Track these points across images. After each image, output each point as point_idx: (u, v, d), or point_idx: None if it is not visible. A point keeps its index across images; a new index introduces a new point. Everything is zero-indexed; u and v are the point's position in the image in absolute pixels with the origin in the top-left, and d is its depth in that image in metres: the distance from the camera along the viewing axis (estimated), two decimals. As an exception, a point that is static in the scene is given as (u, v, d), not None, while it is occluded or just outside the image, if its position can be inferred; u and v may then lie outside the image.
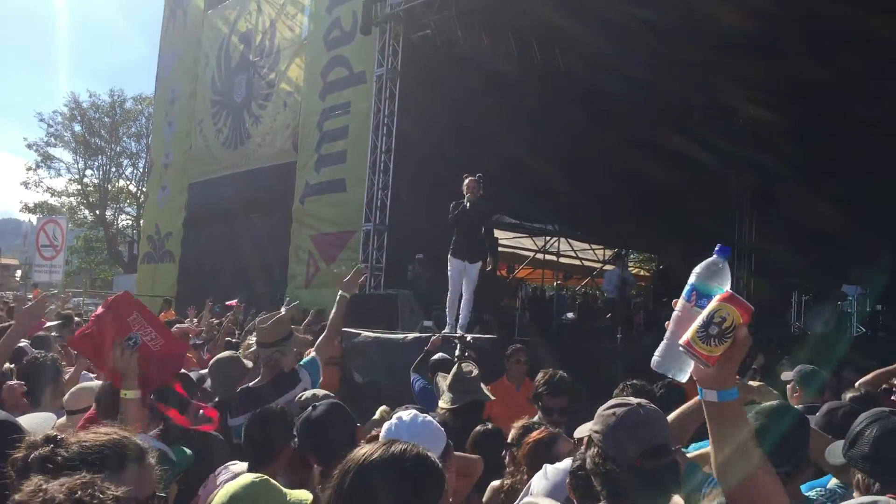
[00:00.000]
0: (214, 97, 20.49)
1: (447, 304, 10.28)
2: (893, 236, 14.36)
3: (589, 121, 16.00)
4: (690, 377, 1.79)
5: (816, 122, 15.40)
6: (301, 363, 4.81)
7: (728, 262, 1.81)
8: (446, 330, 9.93)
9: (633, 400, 2.26)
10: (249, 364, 5.01)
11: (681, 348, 1.73)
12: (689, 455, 3.01)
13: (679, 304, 1.81)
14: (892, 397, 5.24)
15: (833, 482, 3.02)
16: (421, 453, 1.85)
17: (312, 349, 5.00)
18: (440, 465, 1.90)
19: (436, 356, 6.42)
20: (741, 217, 19.40)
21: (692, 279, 1.81)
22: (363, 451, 1.85)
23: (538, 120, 15.04)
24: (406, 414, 1.88)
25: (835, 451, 2.17)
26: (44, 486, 1.42)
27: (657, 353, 1.82)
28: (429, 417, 2.59)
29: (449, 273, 10.22)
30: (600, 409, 2.28)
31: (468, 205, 9.86)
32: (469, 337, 7.49)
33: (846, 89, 13.83)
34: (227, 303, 12.81)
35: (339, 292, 5.11)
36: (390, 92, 14.11)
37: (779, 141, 16.58)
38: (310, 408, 3.10)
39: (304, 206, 16.31)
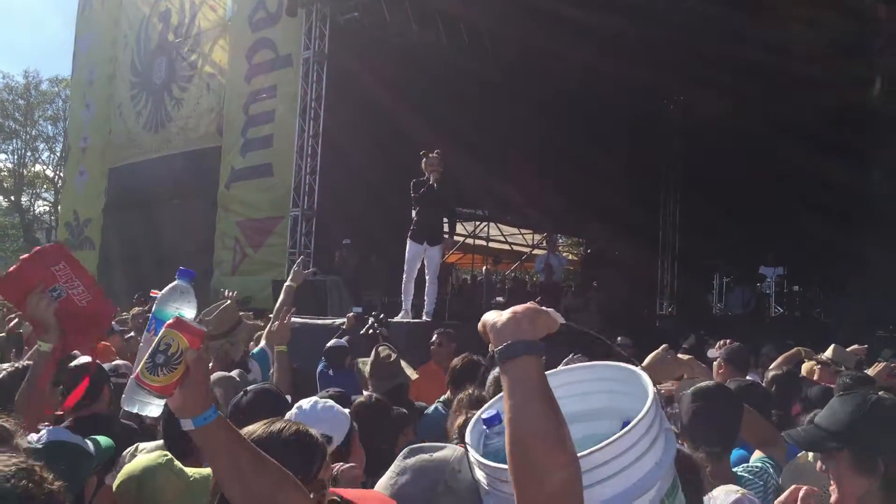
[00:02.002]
0: (134, 79, 19.86)
1: (402, 289, 9.92)
2: (811, 219, 14.84)
3: (518, 106, 16.08)
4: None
5: (743, 108, 15.77)
6: (251, 353, 4.74)
7: (192, 286, 1.76)
8: (400, 316, 9.77)
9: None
10: None
11: (135, 383, 1.66)
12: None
13: (143, 336, 1.77)
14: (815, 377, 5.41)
15: (757, 456, 3.09)
16: (300, 429, 1.90)
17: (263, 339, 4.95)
18: (320, 439, 1.93)
19: (329, 343, 6.40)
20: (665, 201, 19.80)
21: (154, 307, 1.75)
22: (248, 429, 1.86)
23: (467, 105, 15.04)
24: (306, 402, 1.85)
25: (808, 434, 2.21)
26: None
27: (125, 391, 1.73)
28: (330, 403, 2.57)
29: (406, 256, 9.83)
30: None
31: (435, 184, 9.41)
32: (382, 315, 7.40)
33: (771, 76, 14.16)
34: (152, 292, 12.43)
35: (287, 283, 5.06)
36: (317, 75, 13.91)
37: (705, 125, 16.95)
38: (240, 394, 3.04)
39: (230, 192, 15.98)
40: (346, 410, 2.67)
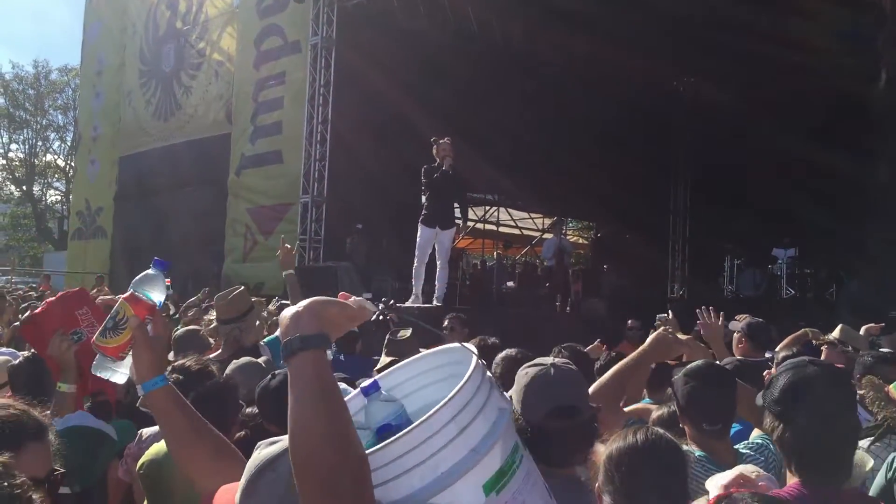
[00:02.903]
0: (143, 67, 19.89)
1: (413, 274, 9.98)
2: (824, 200, 14.77)
3: (527, 91, 16.04)
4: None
5: (752, 91, 15.68)
6: (264, 341, 4.78)
7: (163, 273, 1.97)
8: (411, 301, 9.81)
9: (548, 360, 2.29)
10: (211, 341, 4.93)
11: (95, 349, 1.90)
12: (626, 410, 3.09)
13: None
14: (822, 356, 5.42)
15: (758, 433, 3.11)
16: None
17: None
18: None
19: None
20: (675, 184, 19.74)
21: (129, 287, 1.96)
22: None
23: (477, 90, 15.02)
24: None
25: (758, 396, 2.29)
26: None
27: (95, 359, 1.93)
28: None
29: (417, 241, 9.88)
30: (519, 371, 2.34)
31: (450, 170, 9.49)
32: (392, 300, 7.40)
33: (781, 60, 14.07)
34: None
35: (284, 273, 5.07)
36: (325, 61, 13.90)
37: (715, 109, 16.86)
38: (268, 378, 3.10)
39: (240, 179, 16.02)
40: (351, 391, 2.70)
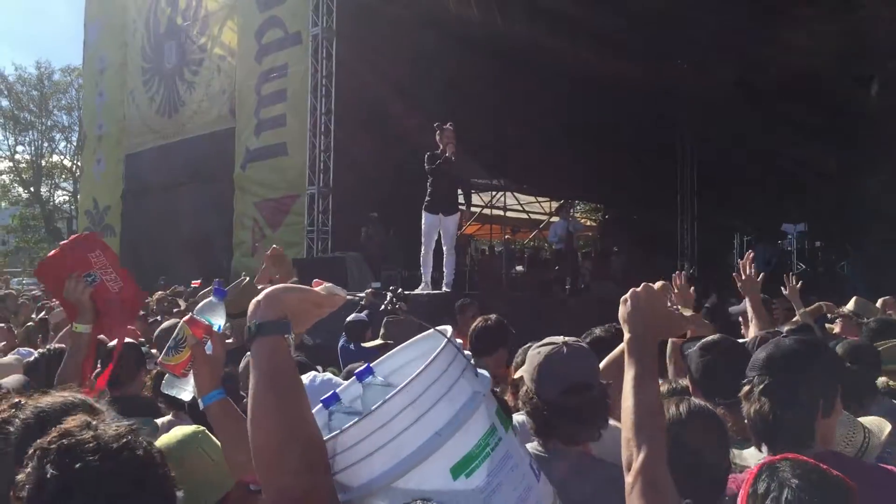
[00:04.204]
0: (145, 65, 19.89)
1: (421, 262, 10.04)
2: (832, 175, 14.70)
3: (531, 75, 15.96)
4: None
5: (757, 71, 15.59)
6: None
7: (222, 301, 2.15)
8: (420, 288, 9.84)
9: (561, 339, 2.31)
10: None
11: (161, 367, 2.13)
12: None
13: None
14: (827, 324, 5.41)
15: None
16: None
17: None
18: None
19: (349, 318, 6.45)
20: (683, 162, 19.66)
21: (194, 311, 2.15)
22: None
23: (479, 75, 14.96)
24: (304, 377, 1.90)
25: None
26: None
27: (166, 377, 2.17)
28: (328, 376, 2.63)
29: (423, 228, 9.92)
30: (530, 351, 2.37)
31: (452, 157, 9.52)
32: (399, 289, 7.44)
33: (784, 41, 13.99)
34: (193, 283, 12.48)
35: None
36: (327, 52, 13.87)
37: (721, 88, 16.77)
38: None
39: (246, 173, 16.03)
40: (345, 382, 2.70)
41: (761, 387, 2.15)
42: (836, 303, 6.47)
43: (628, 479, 1.73)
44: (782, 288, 5.31)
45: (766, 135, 15.81)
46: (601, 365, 2.60)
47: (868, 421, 2.65)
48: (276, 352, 1.41)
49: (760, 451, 2.17)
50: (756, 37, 13.78)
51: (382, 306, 6.20)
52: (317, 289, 1.56)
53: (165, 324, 5.13)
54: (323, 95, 13.86)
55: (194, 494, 2.38)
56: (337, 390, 1.57)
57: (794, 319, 5.13)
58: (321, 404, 1.52)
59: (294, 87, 14.83)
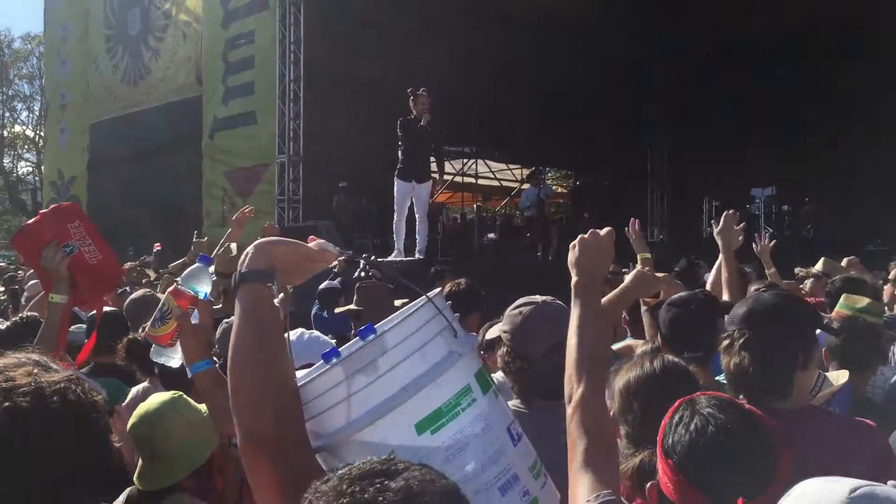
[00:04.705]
0: (108, 32, 19.47)
1: (394, 229, 10.04)
2: (799, 140, 14.85)
3: (503, 41, 15.83)
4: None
5: (725, 33, 15.64)
6: None
7: (207, 267, 2.18)
8: (393, 255, 9.83)
9: (539, 298, 2.34)
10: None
11: (148, 339, 2.22)
12: (615, 348, 3.14)
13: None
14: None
15: None
16: None
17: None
18: None
19: (322, 286, 6.46)
20: (653, 129, 19.72)
21: (180, 280, 2.21)
22: None
23: (451, 41, 14.81)
24: (292, 333, 1.92)
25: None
26: None
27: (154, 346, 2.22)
28: (316, 333, 2.67)
29: (395, 196, 9.90)
30: (508, 310, 2.39)
31: (427, 125, 9.46)
32: (373, 256, 7.42)
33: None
34: (156, 246, 12.39)
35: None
36: (294, 17, 13.66)
37: (692, 50, 16.81)
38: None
39: (214, 142, 15.83)
40: (333, 341, 2.72)
41: (742, 340, 2.19)
42: (803, 265, 6.57)
43: (568, 410, 1.79)
44: (753, 246, 5.43)
45: (736, 101, 15.90)
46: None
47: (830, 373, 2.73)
48: (258, 299, 1.46)
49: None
50: (729, 4, 13.81)
51: (356, 274, 6.21)
52: (310, 244, 1.59)
53: (135, 294, 5.09)
54: (291, 62, 13.69)
55: (176, 456, 2.41)
56: (340, 348, 1.56)
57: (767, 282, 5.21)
58: (322, 359, 1.53)
59: (262, 54, 14.62)
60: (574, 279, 1.93)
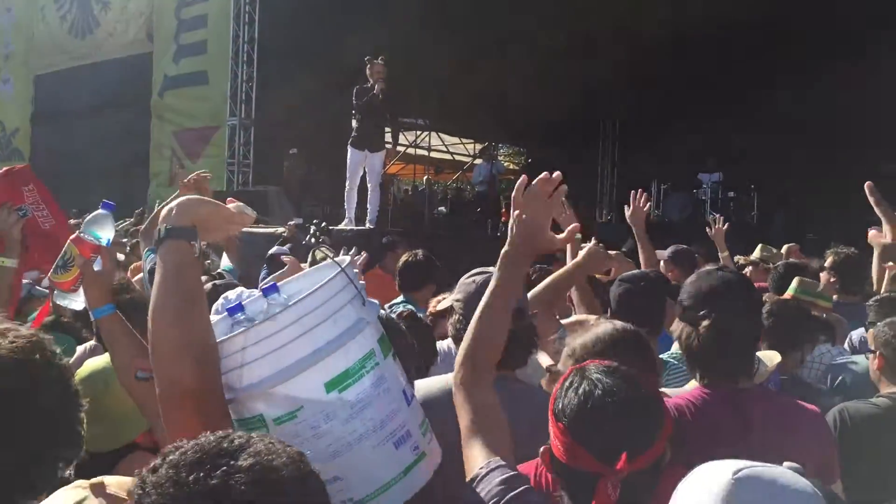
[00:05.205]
0: (57, -19, 18.87)
1: (345, 198, 10.00)
2: (748, 126, 15.12)
3: (457, 14, 15.75)
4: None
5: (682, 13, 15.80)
6: (223, 268, 4.85)
7: (111, 213, 2.26)
8: (343, 224, 9.80)
9: (492, 269, 2.38)
10: (121, 258, 4.95)
11: (51, 284, 2.29)
12: (563, 322, 3.21)
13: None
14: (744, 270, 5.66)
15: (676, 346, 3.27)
16: None
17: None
18: None
19: (271, 251, 6.46)
20: (605, 109, 19.89)
21: (82, 226, 2.25)
22: None
23: (407, 11, 14.68)
24: (232, 293, 1.94)
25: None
26: None
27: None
28: (256, 293, 2.68)
29: (347, 164, 9.86)
30: (461, 279, 2.42)
31: (379, 92, 9.41)
32: (323, 223, 7.42)
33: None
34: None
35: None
36: (251, -23, 13.40)
37: (644, 31, 16.93)
38: None
39: (164, 100, 15.50)
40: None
41: (705, 319, 2.19)
42: (745, 252, 6.74)
43: (454, 382, 1.88)
44: (707, 229, 5.59)
45: (686, 85, 16.10)
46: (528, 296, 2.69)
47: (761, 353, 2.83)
48: (182, 255, 1.51)
49: (699, 381, 2.25)
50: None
51: (305, 240, 6.19)
52: (229, 206, 1.67)
53: None
54: (246, 23, 13.45)
55: (130, 413, 2.34)
56: (243, 302, 1.71)
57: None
58: (226, 312, 1.67)
59: (216, 12, 14.32)
60: (505, 249, 1.97)
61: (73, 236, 2.21)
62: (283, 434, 1.43)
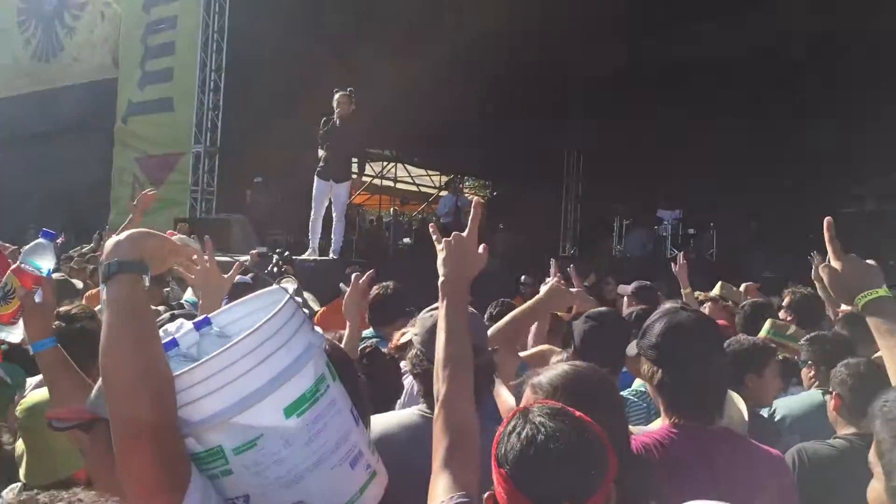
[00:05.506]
0: (21, 5, 18.69)
1: (310, 228, 9.98)
2: (709, 165, 15.41)
3: (425, 48, 15.90)
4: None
5: (639, 59, 16.13)
6: (185, 300, 4.80)
7: (51, 243, 2.20)
8: (307, 254, 9.75)
9: None
10: (80, 285, 4.85)
11: None
12: (522, 356, 3.22)
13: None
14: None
15: (638, 382, 3.29)
16: None
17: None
18: None
19: (234, 280, 6.41)
20: (570, 144, 20.15)
21: (21, 257, 2.19)
22: None
23: (375, 44, 14.80)
24: (172, 325, 1.92)
25: (633, 344, 2.42)
26: None
27: None
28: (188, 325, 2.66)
29: (313, 194, 9.87)
30: (420, 314, 2.43)
31: (338, 121, 9.46)
32: (286, 252, 7.39)
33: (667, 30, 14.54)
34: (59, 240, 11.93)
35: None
36: (220, 6, 13.42)
37: (607, 72, 17.24)
38: None
39: (128, 126, 15.38)
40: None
41: (672, 359, 2.20)
42: (704, 288, 6.82)
43: (436, 410, 1.87)
44: (672, 265, 5.66)
45: (648, 119, 16.41)
46: (489, 332, 2.70)
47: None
48: (134, 289, 1.49)
49: (668, 420, 2.24)
50: (641, 25, 14.30)
51: (267, 269, 6.15)
52: (172, 238, 1.68)
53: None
54: (214, 51, 13.44)
55: (70, 447, 2.29)
56: (175, 336, 1.69)
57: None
58: (192, 325, 1.68)
59: (183, 40, 14.29)
60: (440, 279, 2.04)
61: (13, 267, 2.16)
62: (243, 463, 1.45)
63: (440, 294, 2.02)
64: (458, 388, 1.87)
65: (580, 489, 1.48)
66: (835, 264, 2.08)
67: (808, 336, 3.94)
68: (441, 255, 2.05)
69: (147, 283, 1.54)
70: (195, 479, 1.44)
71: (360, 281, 3.10)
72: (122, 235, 1.55)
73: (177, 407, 1.45)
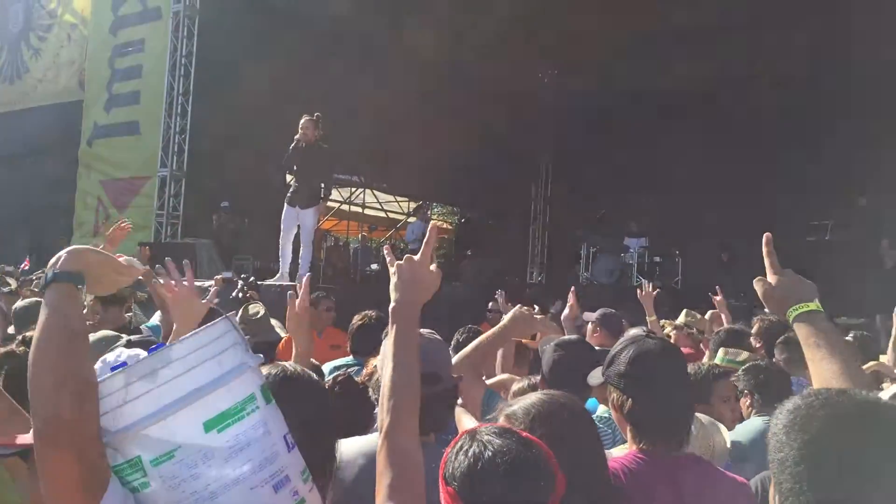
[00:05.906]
0: (-14, 25, 18.52)
1: (280, 253, 9.95)
2: (673, 192, 15.60)
3: (393, 74, 16.00)
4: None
5: (610, 83, 16.36)
6: (147, 325, 4.75)
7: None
8: (276, 278, 9.70)
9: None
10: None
11: None
12: (488, 383, 3.21)
13: None
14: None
15: (603, 408, 3.29)
16: None
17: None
18: None
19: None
20: (538, 172, 20.30)
21: None
22: None
23: (343, 69, 14.84)
24: (111, 355, 1.89)
25: (595, 373, 2.43)
26: None
27: None
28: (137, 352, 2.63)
29: (282, 219, 9.85)
30: (385, 341, 2.40)
31: (303, 146, 9.47)
32: (252, 278, 7.34)
33: (637, 57, 14.77)
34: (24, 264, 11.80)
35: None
36: (188, 30, 13.39)
37: (577, 99, 17.47)
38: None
39: (93, 149, 15.20)
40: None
41: (639, 386, 2.21)
42: (669, 316, 6.87)
43: (379, 441, 1.84)
44: (638, 291, 5.69)
45: (617, 149, 16.60)
46: (453, 360, 2.68)
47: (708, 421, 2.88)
48: (69, 298, 1.54)
49: (636, 446, 2.25)
50: (614, 48, 14.52)
51: (233, 295, 6.09)
52: (119, 259, 1.73)
53: (23, 302, 5.03)
54: (181, 75, 13.38)
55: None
56: (128, 363, 1.68)
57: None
58: (110, 371, 1.64)
59: (150, 64, 14.21)
60: (392, 304, 2.01)
61: None
62: (161, 475, 1.46)
63: (390, 320, 1.99)
64: (401, 418, 1.83)
65: (527, 502, 1.48)
66: (771, 279, 2.11)
67: (745, 366, 3.97)
68: (392, 280, 2.03)
69: (84, 295, 1.59)
70: (114, 487, 1.44)
71: (300, 296, 3.06)
72: (65, 249, 1.60)
73: (99, 414, 1.47)
